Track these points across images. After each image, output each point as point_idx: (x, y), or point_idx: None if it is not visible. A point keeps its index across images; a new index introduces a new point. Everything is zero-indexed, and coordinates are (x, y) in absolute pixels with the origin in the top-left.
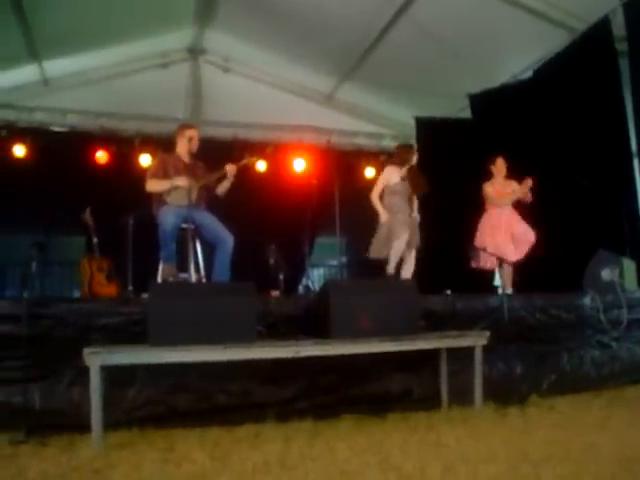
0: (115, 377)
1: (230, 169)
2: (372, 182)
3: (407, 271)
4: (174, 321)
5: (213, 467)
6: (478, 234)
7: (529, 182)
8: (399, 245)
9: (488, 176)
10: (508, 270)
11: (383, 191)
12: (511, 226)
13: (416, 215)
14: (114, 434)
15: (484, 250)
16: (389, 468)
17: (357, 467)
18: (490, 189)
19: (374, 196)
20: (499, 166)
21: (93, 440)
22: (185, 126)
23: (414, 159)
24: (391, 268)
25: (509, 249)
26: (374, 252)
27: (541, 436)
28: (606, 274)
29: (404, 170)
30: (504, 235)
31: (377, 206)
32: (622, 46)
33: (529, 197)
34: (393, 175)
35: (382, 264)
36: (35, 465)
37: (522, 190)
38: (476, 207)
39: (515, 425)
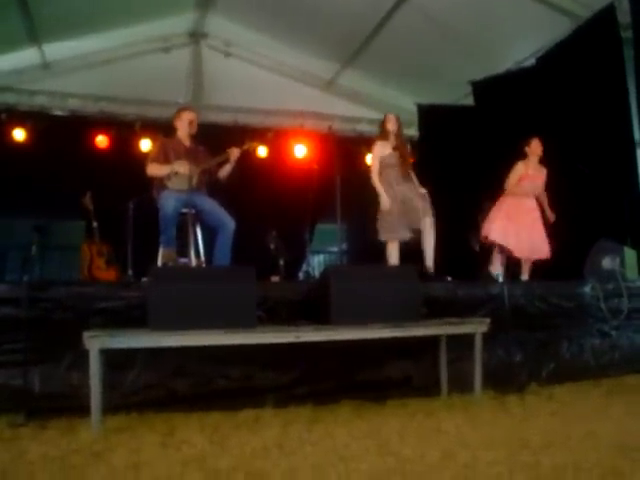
0: (114, 361)
1: (233, 153)
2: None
3: (427, 258)
4: (174, 305)
5: (212, 451)
6: (489, 218)
7: (552, 217)
8: (394, 252)
9: (522, 157)
10: (526, 260)
11: (381, 167)
12: (535, 221)
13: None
14: (113, 418)
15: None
16: (388, 453)
17: (356, 452)
18: (522, 169)
19: (374, 177)
20: (534, 147)
21: (92, 423)
22: (184, 109)
23: (392, 125)
24: (394, 258)
25: (516, 241)
26: (383, 235)
27: (540, 424)
28: (607, 263)
29: (392, 140)
30: (522, 226)
31: (379, 189)
32: (627, 34)
33: (551, 217)
34: (384, 148)
35: (383, 250)
36: (35, 448)
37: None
38: (478, 194)
39: (515, 413)
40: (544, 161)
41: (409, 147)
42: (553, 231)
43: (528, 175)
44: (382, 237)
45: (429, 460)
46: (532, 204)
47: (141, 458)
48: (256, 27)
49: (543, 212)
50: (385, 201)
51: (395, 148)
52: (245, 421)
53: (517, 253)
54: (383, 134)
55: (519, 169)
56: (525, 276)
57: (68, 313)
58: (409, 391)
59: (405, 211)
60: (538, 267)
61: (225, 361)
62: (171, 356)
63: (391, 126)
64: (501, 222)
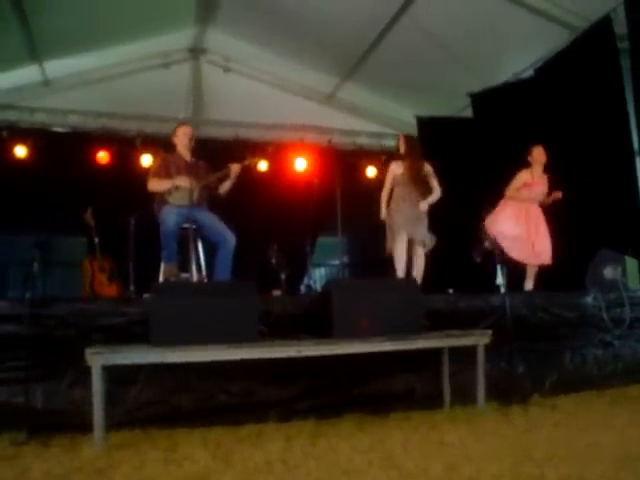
0: (117, 377)
1: (234, 169)
2: (374, 181)
3: (416, 271)
4: (176, 321)
5: (215, 467)
6: (492, 219)
7: (559, 194)
8: (400, 247)
9: (525, 165)
10: (531, 268)
11: (393, 184)
12: (538, 229)
13: (423, 206)
14: (116, 434)
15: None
16: (391, 467)
17: (359, 466)
18: (526, 177)
19: (383, 194)
20: (536, 155)
21: (95, 440)
22: (180, 125)
23: (402, 146)
24: (399, 271)
25: (519, 247)
26: (388, 250)
27: (544, 435)
28: (609, 272)
29: (407, 161)
30: (527, 234)
31: (381, 203)
32: (624, 44)
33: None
34: (397, 168)
35: (386, 263)
36: (37, 465)
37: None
38: (477, 207)
39: (518, 424)
40: (546, 169)
41: (425, 168)
42: (554, 241)
43: (533, 182)
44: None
45: (433, 473)
46: (536, 211)
47: (144, 475)
48: (255, 42)
49: (547, 219)
50: (382, 212)
51: (407, 168)
52: (248, 436)
53: (516, 256)
54: (398, 153)
55: (523, 177)
56: (530, 283)
57: (70, 330)
58: (412, 404)
59: (406, 226)
60: (540, 276)
61: (227, 376)
62: (173, 372)
63: (402, 147)
64: (504, 220)
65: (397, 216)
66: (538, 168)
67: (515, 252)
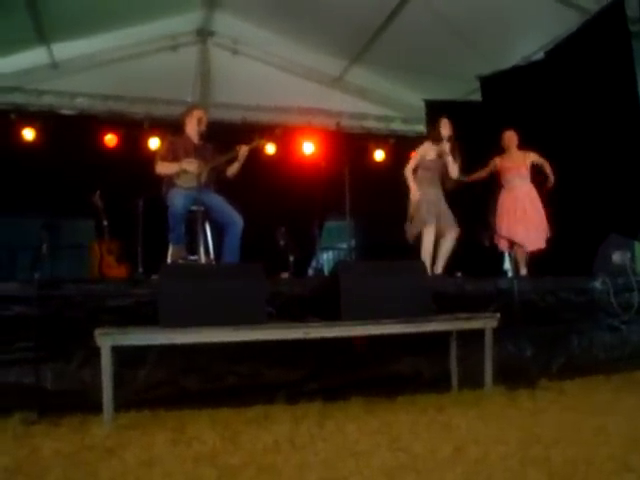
0: (126, 358)
1: (242, 150)
2: (381, 165)
3: (439, 263)
4: (184, 302)
5: (224, 447)
6: (496, 214)
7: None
8: (428, 238)
9: (501, 152)
10: (520, 254)
11: (417, 165)
12: (525, 212)
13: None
14: (125, 415)
15: (496, 233)
16: (399, 449)
17: (367, 448)
18: (492, 164)
19: (408, 170)
20: (507, 140)
21: (104, 420)
22: (193, 107)
23: (446, 131)
24: (427, 262)
25: (521, 234)
26: (410, 235)
27: (551, 418)
28: (617, 257)
29: (441, 146)
30: (517, 219)
31: (409, 181)
32: (635, 27)
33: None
34: (429, 151)
35: (394, 247)
36: (48, 444)
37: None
38: (486, 190)
39: (525, 407)
40: (526, 147)
41: (459, 160)
42: (564, 225)
43: (508, 168)
44: (415, 230)
45: (440, 455)
46: (526, 193)
47: (153, 454)
48: (263, 24)
49: (541, 198)
50: (415, 193)
51: (440, 155)
52: (256, 417)
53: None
54: (431, 136)
55: (491, 164)
56: (523, 271)
57: (79, 311)
58: (419, 387)
59: (434, 212)
60: (548, 262)
61: (235, 358)
62: (182, 353)
63: (445, 131)
64: (504, 220)
65: (424, 203)
66: (512, 151)
67: (518, 237)
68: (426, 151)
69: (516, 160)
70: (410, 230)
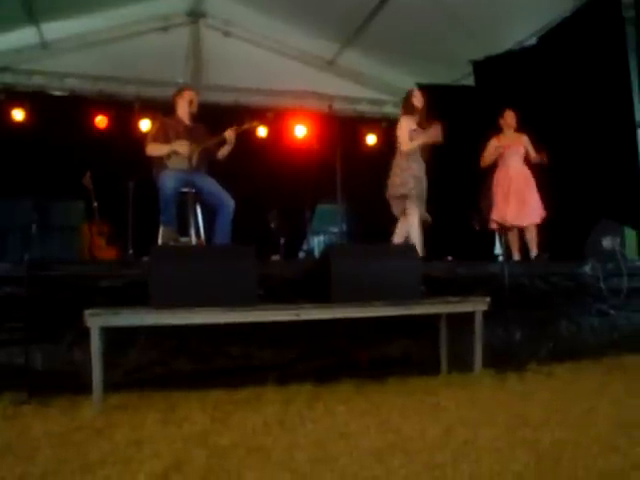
0: (115, 339)
1: (229, 134)
2: (374, 148)
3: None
4: (175, 284)
5: (214, 428)
6: (491, 192)
7: (544, 157)
8: (415, 219)
9: (498, 131)
10: (512, 237)
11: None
12: (520, 189)
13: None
14: (114, 395)
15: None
16: (388, 430)
17: (356, 429)
18: (495, 144)
19: (405, 144)
20: (508, 119)
21: (94, 401)
22: (185, 88)
23: (418, 102)
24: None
25: (515, 209)
26: (390, 195)
27: (540, 401)
28: (607, 243)
29: (417, 116)
30: (510, 195)
31: (413, 144)
32: (629, 13)
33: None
34: (410, 124)
35: (385, 231)
36: (38, 425)
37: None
38: (478, 175)
39: (514, 390)
40: (522, 129)
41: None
42: (554, 210)
43: (506, 147)
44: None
45: (429, 437)
46: (520, 172)
47: (143, 435)
48: (255, 6)
49: (535, 177)
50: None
51: (420, 124)
52: (246, 398)
53: (513, 222)
54: (409, 109)
55: (492, 144)
56: (533, 250)
57: (69, 292)
58: (409, 369)
59: (418, 190)
60: (539, 246)
61: (226, 339)
62: (172, 334)
63: (417, 102)
64: (498, 196)
65: (412, 179)
66: (509, 131)
67: (509, 217)
68: (408, 124)
69: (513, 139)
70: (392, 192)
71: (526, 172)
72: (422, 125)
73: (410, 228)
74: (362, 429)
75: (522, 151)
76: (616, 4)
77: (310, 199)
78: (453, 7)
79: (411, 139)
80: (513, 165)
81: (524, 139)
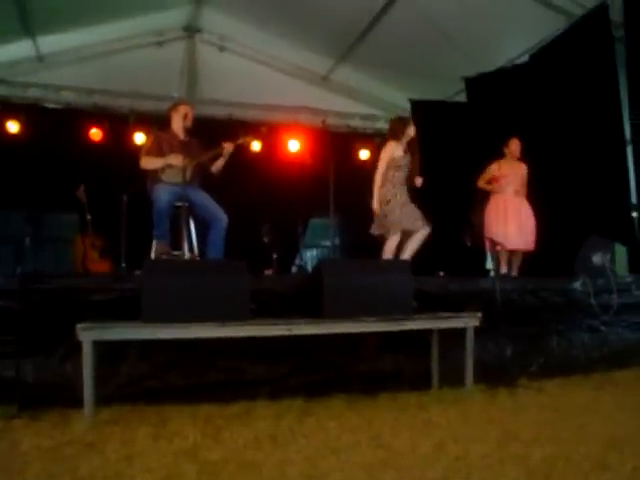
0: (107, 353)
1: (227, 147)
2: (366, 163)
3: (412, 247)
4: (167, 298)
5: (205, 443)
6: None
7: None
8: (392, 244)
9: (500, 156)
10: (509, 256)
11: (388, 167)
12: (517, 214)
13: (419, 181)
14: (106, 409)
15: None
16: (380, 446)
17: (348, 444)
18: (494, 170)
19: (378, 176)
20: (512, 148)
21: (85, 415)
22: (180, 102)
23: (411, 131)
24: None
25: (512, 233)
26: (375, 230)
27: (531, 417)
28: (597, 259)
29: (404, 143)
30: (508, 219)
31: (375, 191)
32: (619, 32)
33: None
34: (396, 149)
35: (378, 246)
36: (28, 439)
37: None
38: (470, 190)
39: (505, 406)
40: (523, 158)
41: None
42: (545, 227)
43: (505, 175)
44: (378, 231)
45: (421, 453)
46: (514, 201)
47: (134, 450)
48: (251, 22)
49: (538, 205)
50: (375, 202)
51: (406, 151)
52: (237, 413)
53: (509, 246)
54: (395, 135)
55: (491, 169)
56: (514, 272)
57: (61, 305)
58: (400, 384)
59: (405, 213)
60: (529, 262)
61: (218, 354)
62: (164, 348)
63: (406, 129)
64: (496, 224)
65: (397, 207)
66: (511, 159)
67: (510, 241)
68: (394, 150)
69: (515, 168)
70: (377, 228)
71: (522, 200)
72: (411, 154)
73: (386, 248)
74: (353, 444)
75: (519, 182)
76: (606, 23)
77: (303, 213)
78: (446, 24)
79: (397, 166)
80: (509, 192)
81: (523, 171)
